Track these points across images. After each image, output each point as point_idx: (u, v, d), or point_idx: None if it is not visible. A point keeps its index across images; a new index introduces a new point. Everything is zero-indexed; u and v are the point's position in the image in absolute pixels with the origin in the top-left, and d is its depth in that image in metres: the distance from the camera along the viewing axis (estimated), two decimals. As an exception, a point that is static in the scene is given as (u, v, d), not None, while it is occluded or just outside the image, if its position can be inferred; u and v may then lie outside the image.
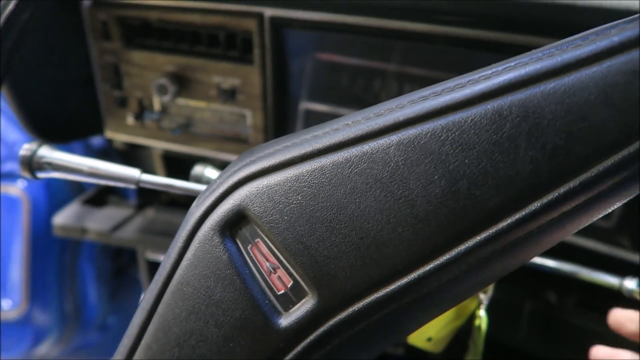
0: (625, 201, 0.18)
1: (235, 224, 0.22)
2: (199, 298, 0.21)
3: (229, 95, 0.52)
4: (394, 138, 0.19)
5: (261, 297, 0.21)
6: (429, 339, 0.38)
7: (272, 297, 0.21)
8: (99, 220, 0.59)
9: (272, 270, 0.21)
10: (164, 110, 0.55)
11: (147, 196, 0.68)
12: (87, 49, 0.56)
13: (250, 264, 0.21)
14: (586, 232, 0.47)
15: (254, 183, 0.21)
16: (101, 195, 0.64)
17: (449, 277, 0.19)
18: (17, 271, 0.72)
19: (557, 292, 0.53)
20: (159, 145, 0.58)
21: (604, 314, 0.41)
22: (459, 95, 0.18)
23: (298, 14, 0.47)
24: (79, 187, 0.73)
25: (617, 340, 0.47)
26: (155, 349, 0.22)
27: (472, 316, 0.38)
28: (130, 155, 0.69)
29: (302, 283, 0.20)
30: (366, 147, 0.19)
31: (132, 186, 0.31)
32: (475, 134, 0.18)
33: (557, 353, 0.52)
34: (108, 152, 0.72)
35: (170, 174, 0.71)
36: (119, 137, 0.58)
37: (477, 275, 0.19)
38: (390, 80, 0.53)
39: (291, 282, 0.21)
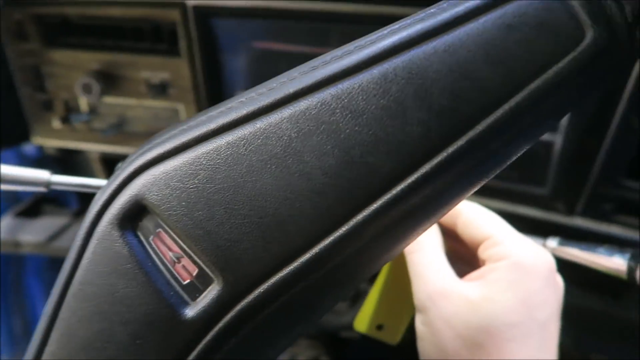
0: (514, 158, 0.18)
1: (135, 216, 0.21)
2: (102, 297, 0.20)
3: (160, 90, 0.50)
4: (285, 112, 0.18)
5: (166, 288, 0.20)
6: (380, 327, 0.36)
7: (178, 288, 0.20)
8: (34, 231, 0.56)
9: (176, 260, 0.20)
10: (93, 110, 0.53)
11: (88, 201, 0.65)
12: (3, 52, 0.52)
13: (154, 256, 0.20)
14: (523, 200, 0.48)
15: (150, 171, 0.20)
16: (36, 206, 0.61)
17: (352, 249, 0.18)
18: (-47, 293, 0.68)
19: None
20: (92, 148, 0.55)
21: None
22: (346, 62, 0.18)
23: (223, 2, 0.46)
24: (14, 199, 0.69)
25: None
26: (60, 355, 0.21)
27: None
28: (67, 161, 0.66)
29: (207, 270, 0.20)
30: (259, 123, 0.19)
31: (43, 189, 0.29)
32: (364, 100, 0.17)
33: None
34: (43, 160, 0.68)
35: (113, 177, 0.68)
36: (48, 143, 0.55)
37: (381, 244, 0.19)
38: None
39: (196, 270, 0.20)
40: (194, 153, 0.19)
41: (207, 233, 0.19)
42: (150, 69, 0.50)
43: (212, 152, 0.19)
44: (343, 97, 0.17)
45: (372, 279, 0.36)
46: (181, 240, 0.20)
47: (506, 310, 0.26)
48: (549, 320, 0.28)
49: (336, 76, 0.18)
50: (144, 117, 0.53)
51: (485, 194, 0.50)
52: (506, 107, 0.16)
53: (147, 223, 0.20)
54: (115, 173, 0.22)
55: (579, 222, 0.47)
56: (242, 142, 0.19)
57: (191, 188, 0.19)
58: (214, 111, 0.20)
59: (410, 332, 0.34)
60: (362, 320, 0.36)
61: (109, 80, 0.51)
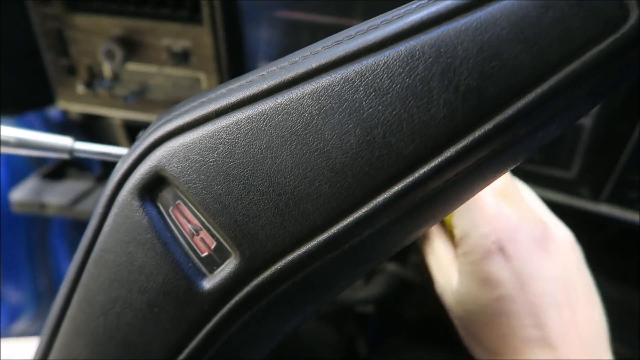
0: (543, 144, 0.17)
1: (155, 187, 0.21)
2: (121, 265, 0.21)
3: (181, 58, 0.50)
4: (307, 87, 0.18)
5: (184, 260, 0.20)
6: None
7: (195, 260, 0.20)
8: (59, 194, 0.57)
9: (195, 233, 0.20)
10: (116, 77, 0.53)
11: (110, 167, 0.66)
12: (28, 16, 0.52)
13: (173, 227, 0.20)
14: (547, 183, 0.47)
15: (170, 142, 0.20)
16: (61, 169, 0.63)
17: (371, 231, 0.18)
18: (-17, 250, 0.71)
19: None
20: (113, 114, 0.56)
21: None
22: (371, 37, 0.17)
23: (246, -32, 0.45)
24: (40, 162, 0.71)
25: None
26: (80, 319, 0.21)
27: None
28: (89, 127, 0.67)
29: (225, 244, 0.20)
30: (280, 98, 0.18)
31: (66, 156, 0.30)
32: (389, 78, 0.17)
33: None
34: (67, 125, 0.69)
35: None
36: (72, 108, 0.56)
37: (400, 227, 0.18)
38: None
39: (215, 244, 0.20)
40: (214, 126, 0.19)
41: (225, 207, 0.19)
42: (172, 36, 0.49)
43: (231, 126, 0.19)
44: (367, 74, 0.17)
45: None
46: (200, 213, 0.20)
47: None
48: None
49: (360, 52, 0.17)
50: (165, 85, 0.53)
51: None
52: (538, 90, 0.15)
53: (166, 194, 0.21)
54: (136, 143, 0.22)
55: (604, 208, 0.46)
56: (262, 117, 0.18)
57: (210, 162, 0.19)
58: (234, 84, 0.20)
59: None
60: None
61: (131, 47, 0.50)
